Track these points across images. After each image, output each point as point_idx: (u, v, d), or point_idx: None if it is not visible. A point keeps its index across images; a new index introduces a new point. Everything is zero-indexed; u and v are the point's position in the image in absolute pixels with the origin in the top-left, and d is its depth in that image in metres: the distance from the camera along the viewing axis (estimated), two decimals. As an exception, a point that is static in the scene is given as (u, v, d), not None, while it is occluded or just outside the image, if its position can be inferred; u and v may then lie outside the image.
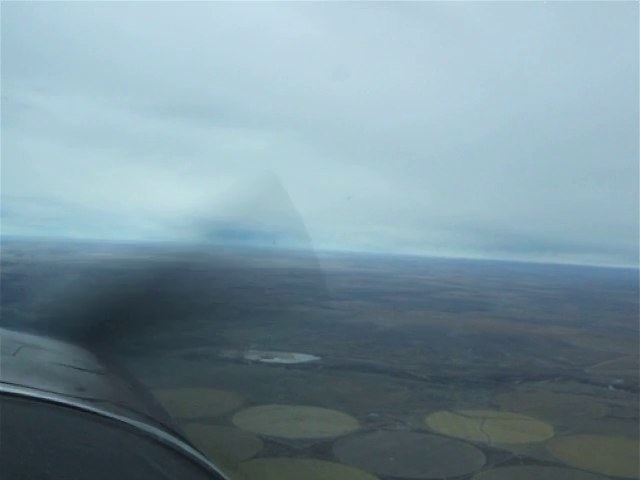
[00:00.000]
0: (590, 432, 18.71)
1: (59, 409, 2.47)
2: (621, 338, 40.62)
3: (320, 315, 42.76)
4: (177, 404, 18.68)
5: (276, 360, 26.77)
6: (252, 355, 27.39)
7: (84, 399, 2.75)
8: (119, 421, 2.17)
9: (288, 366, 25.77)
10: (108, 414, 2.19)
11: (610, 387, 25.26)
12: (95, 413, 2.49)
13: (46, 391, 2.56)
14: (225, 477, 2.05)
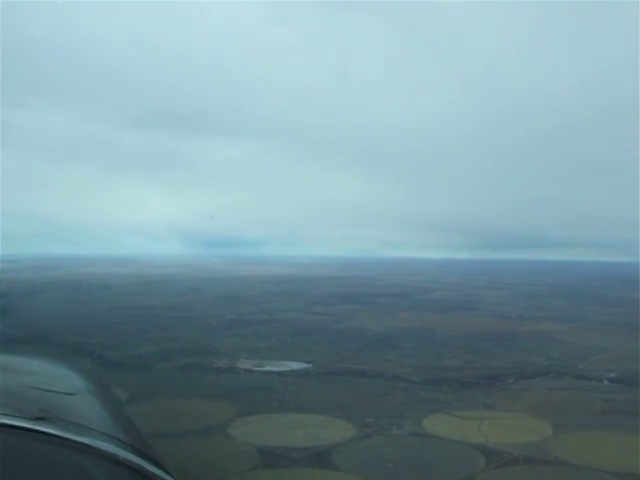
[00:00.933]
0: (588, 428, 18.57)
1: (16, 432, 2.34)
2: (611, 331, 40.63)
3: (308, 321, 42.76)
4: (170, 417, 18.46)
5: (268, 368, 26.51)
6: (244, 364, 27.12)
7: (44, 420, 2.62)
8: (79, 442, 2.30)
9: (280, 374, 25.53)
10: (68, 436, 2.29)
11: (605, 381, 25.17)
12: (54, 435, 2.39)
13: (3, 414, 2.44)
14: None
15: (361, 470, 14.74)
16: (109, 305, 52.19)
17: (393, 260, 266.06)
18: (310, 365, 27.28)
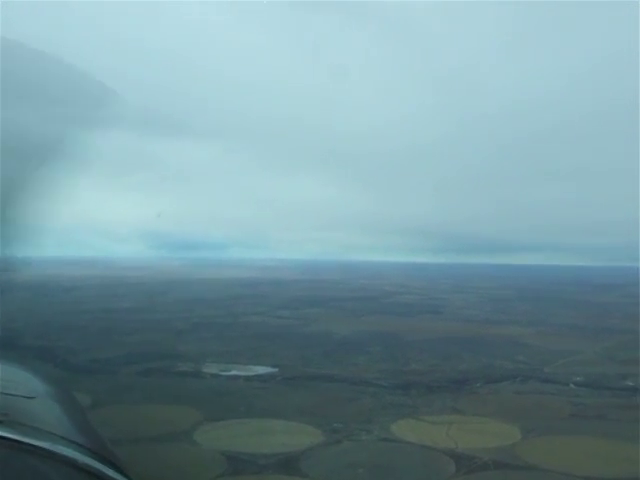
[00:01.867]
0: (557, 433, 18.51)
1: None
2: (576, 335, 40.95)
3: (274, 325, 42.50)
4: (134, 422, 18.11)
5: (233, 373, 26.18)
6: (209, 368, 26.77)
7: (1, 424, 2.45)
8: (37, 447, 2.24)
9: (246, 378, 25.21)
10: (26, 440, 2.23)
11: (571, 385, 25.23)
12: (12, 439, 2.20)
13: None
14: None
15: (330, 477, 14.55)
16: (72, 308, 51.46)
17: (358, 263, 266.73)
18: (276, 369, 27.01)
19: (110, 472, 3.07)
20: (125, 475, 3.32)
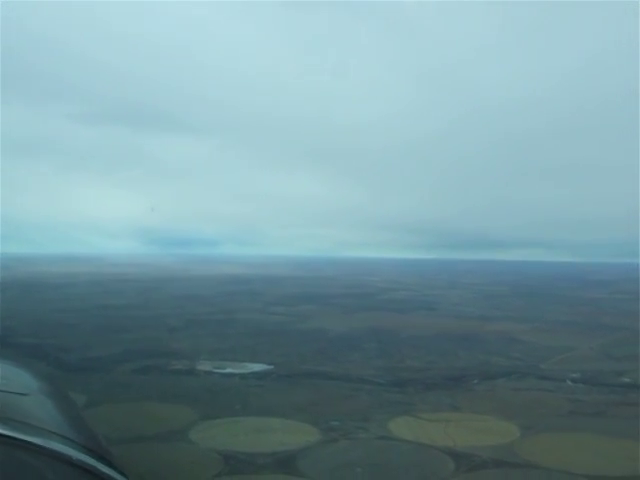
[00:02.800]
0: (556, 430, 18.37)
1: None
2: (571, 331, 40.89)
3: (268, 322, 42.33)
4: (129, 421, 17.94)
5: (229, 370, 25.98)
6: (204, 366, 26.58)
7: None
8: (30, 443, 2.27)
9: (242, 376, 25.02)
10: (19, 436, 2.28)
11: (568, 382, 25.12)
12: (5, 435, 2.26)
13: None
14: None
15: (328, 476, 14.36)
16: (66, 305, 51.23)
17: (351, 260, 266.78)
18: (272, 367, 26.83)
19: (103, 468, 3.11)
20: (118, 471, 3.36)
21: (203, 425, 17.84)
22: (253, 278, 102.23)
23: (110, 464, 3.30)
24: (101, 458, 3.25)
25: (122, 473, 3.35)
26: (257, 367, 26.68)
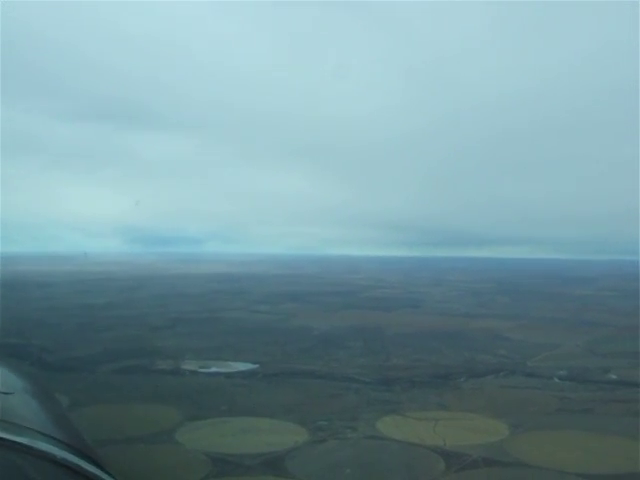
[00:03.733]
0: (545, 428, 18.23)
1: None
2: (557, 328, 40.86)
3: (253, 320, 42.07)
4: (114, 422, 17.60)
5: (214, 370, 25.71)
6: (188, 365, 26.27)
7: None
8: (15, 442, 2.35)
9: (227, 375, 24.76)
10: (4, 435, 2.39)
11: (555, 379, 25.02)
12: None
13: None
14: None
15: (317, 477, 14.11)
16: (48, 304, 50.72)
17: (335, 257, 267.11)
18: (257, 366, 26.58)
19: (89, 467, 3.05)
20: (104, 470, 3.30)
21: (189, 426, 17.56)
22: (237, 276, 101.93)
23: (95, 463, 3.25)
24: (86, 457, 3.22)
25: (107, 472, 3.30)
26: (242, 366, 26.42)
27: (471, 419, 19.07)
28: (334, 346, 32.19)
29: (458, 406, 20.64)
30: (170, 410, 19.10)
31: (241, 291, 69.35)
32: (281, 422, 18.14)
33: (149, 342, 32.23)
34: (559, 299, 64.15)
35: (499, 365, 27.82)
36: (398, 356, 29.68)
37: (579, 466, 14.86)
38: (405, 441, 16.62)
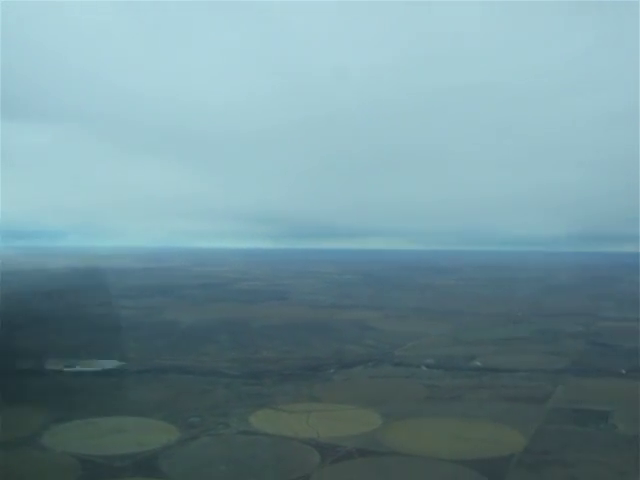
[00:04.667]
0: (415, 416, 18.52)
1: None
2: (422, 317, 41.90)
3: (117, 316, 40.93)
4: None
5: (79, 368, 24.79)
6: (52, 365, 25.20)
7: None
8: None
9: (94, 374, 23.91)
10: None
11: (423, 367, 25.53)
12: None
13: None
14: None
15: (191, 476, 13.75)
16: None
17: (200, 250, 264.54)
18: (124, 363, 25.83)
19: None
20: None
21: (57, 428, 16.74)
22: (100, 270, 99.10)
23: None
24: None
25: None
26: (108, 364, 25.59)
27: (343, 410, 19.12)
28: (202, 340, 31.75)
29: (330, 397, 20.66)
30: (35, 412, 18.14)
31: (105, 286, 67.44)
32: (151, 420, 17.60)
33: (7, 342, 30.75)
34: (423, 289, 65.91)
35: (368, 355, 28.15)
36: (267, 349, 29.54)
37: (452, 453, 15.10)
38: (279, 435, 16.46)
